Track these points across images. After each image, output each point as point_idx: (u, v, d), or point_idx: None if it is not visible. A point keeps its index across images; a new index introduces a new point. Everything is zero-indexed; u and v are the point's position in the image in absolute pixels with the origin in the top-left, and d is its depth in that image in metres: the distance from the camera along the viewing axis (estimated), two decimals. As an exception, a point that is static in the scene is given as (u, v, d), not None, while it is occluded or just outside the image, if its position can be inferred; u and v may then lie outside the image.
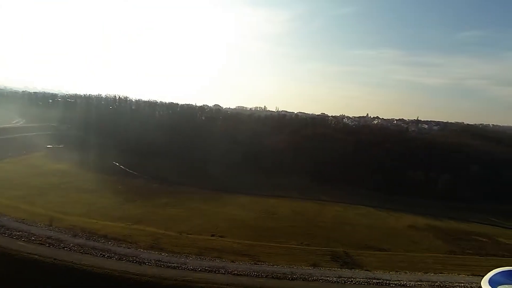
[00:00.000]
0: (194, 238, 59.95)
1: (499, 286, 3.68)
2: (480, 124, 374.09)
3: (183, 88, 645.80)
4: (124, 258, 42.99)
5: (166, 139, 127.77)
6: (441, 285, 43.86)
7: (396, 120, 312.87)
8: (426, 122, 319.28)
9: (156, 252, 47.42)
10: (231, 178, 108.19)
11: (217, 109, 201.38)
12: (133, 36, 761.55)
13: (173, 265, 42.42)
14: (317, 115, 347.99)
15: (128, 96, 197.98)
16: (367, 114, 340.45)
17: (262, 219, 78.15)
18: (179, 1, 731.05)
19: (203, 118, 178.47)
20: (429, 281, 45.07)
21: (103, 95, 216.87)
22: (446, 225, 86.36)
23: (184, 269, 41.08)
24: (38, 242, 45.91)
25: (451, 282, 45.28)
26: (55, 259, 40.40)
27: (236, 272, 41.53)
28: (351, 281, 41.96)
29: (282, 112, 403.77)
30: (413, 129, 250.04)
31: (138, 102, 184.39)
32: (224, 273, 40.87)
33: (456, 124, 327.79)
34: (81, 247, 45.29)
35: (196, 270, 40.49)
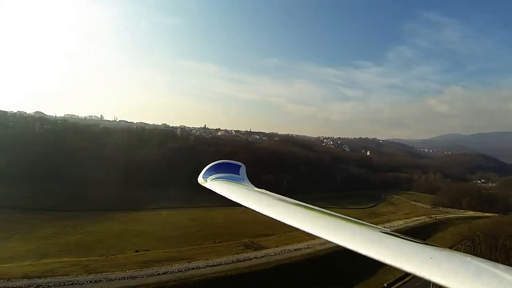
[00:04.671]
0: (123, 257, 61.00)
1: (209, 177, 4.69)
2: (287, 134, 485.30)
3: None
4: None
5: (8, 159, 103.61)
6: (310, 246, 68.54)
7: (234, 131, 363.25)
8: (257, 132, 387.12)
9: (110, 274, 48.37)
10: (112, 196, 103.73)
11: (63, 120, 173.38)
12: None
13: (125, 281, 45.19)
14: (160, 125, 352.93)
15: None
16: (205, 125, 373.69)
17: (167, 230, 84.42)
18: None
19: (43, 129, 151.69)
20: (310, 245, 69.28)
21: None
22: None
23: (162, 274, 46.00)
24: None
25: (310, 245, 70.72)
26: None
27: (209, 265, 50.47)
28: (278, 252, 60.10)
29: (122, 122, 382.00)
30: (250, 139, 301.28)
31: None
32: (199, 268, 48.70)
33: (274, 134, 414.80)
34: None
35: (169, 273, 46.50)
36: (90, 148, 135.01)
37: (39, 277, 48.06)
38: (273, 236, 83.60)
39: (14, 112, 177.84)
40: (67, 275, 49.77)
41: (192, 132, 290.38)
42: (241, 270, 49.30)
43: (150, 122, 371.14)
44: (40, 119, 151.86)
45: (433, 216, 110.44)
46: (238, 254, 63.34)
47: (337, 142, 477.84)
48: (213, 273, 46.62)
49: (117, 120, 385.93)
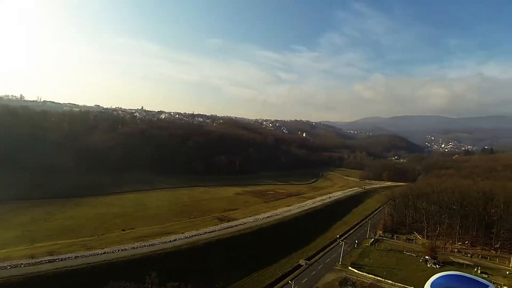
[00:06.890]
0: (114, 235, 66.41)
1: None
2: (227, 116, 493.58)
3: None
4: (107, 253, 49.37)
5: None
6: (278, 214, 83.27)
7: (177, 113, 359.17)
8: (198, 115, 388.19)
9: (116, 247, 54.86)
10: (73, 183, 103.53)
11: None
12: None
13: (146, 248, 52.82)
14: (92, 106, 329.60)
15: None
16: (142, 107, 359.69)
17: (141, 211, 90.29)
18: None
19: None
20: (272, 215, 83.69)
21: None
22: (252, 189, 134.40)
23: (159, 243, 54.21)
24: None
25: (275, 214, 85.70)
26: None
27: (206, 232, 59.98)
28: (254, 220, 72.50)
29: (48, 102, 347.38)
30: (194, 122, 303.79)
31: None
32: (200, 235, 57.83)
33: (215, 116, 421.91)
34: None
35: (179, 240, 54.78)
36: (35, 133, 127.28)
37: (47, 256, 52.22)
38: (238, 210, 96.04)
39: None
40: (72, 252, 54.76)
41: (135, 114, 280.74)
42: (233, 234, 60.55)
43: (80, 103, 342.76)
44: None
45: (362, 187, 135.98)
46: (216, 225, 74.16)
47: (275, 124, 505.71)
48: (213, 237, 56.97)
49: (41, 100, 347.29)
